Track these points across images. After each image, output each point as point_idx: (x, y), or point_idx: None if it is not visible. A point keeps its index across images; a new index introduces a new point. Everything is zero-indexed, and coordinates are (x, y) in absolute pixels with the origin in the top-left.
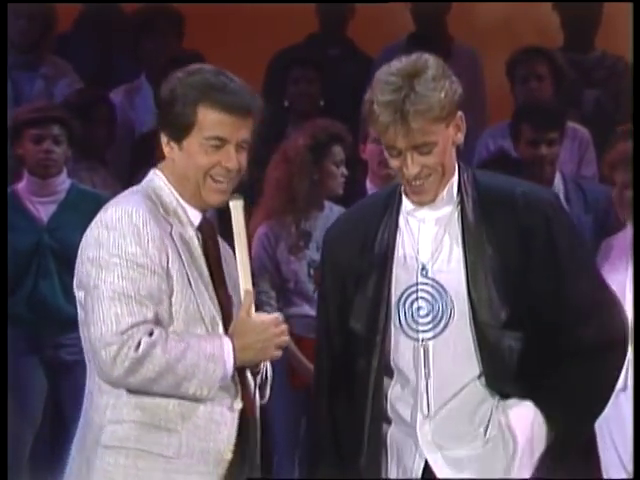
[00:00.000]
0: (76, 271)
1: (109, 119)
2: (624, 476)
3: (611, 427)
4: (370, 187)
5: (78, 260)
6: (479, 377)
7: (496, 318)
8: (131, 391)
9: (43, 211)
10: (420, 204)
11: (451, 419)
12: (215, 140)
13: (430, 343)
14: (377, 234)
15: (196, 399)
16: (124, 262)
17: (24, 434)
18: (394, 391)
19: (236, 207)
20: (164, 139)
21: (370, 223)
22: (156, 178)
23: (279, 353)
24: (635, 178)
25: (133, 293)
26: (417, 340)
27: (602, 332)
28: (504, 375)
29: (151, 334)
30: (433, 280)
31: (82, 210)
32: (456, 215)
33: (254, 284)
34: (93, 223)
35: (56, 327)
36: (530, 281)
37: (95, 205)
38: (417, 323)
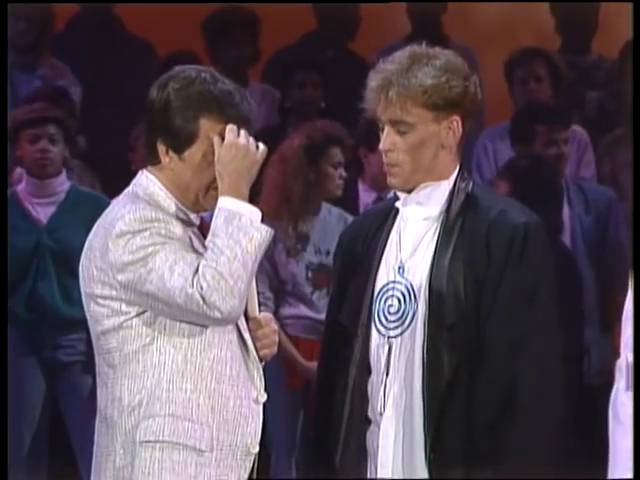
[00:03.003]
0: (95, 283)
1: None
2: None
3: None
4: (362, 188)
5: (105, 274)
6: None
7: (445, 323)
8: (162, 386)
9: (42, 212)
10: (391, 186)
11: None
12: None
13: (394, 341)
14: (375, 234)
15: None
16: (160, 245)
17: (22, 434)
18: (370, 388)
19: None
20: (162, 148)
21: (372, 225)
22: (150, 184)
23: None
24: (635, 179)
25: (180, 254)
26: (384, 337)
27: (511, 378)
28: (440, 384)
29: (195, 273)
30: (406, 279)
31: (81, 211)
32: (441, 218)
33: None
34: (113, 233)
35: (54, 328)
36: (481, 295)
37: (94, 207)
38: (387, 320)
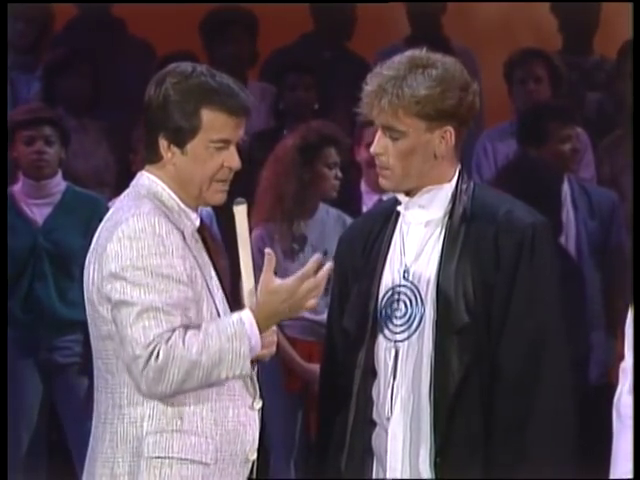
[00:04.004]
0: (94, 286)
1: (91, 74)
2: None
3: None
4: (365, 190)
5: (98, 275)
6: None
7: (454, 327)
8: (167, 399)
9: (38, 213)
10: (383, 188)
11: (418, 426)
12: (221, 143)
13: (401, 345)
14: (377, 237)
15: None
16: (149, 274)
17: (20, 435)
18: (375, 392)
19: (240, 212)
20: (163, 143)
21: (373, 228)
22: (152, 183)
23: (313, 303)
24: (635, 180)
25: (161, 305)
26: (391, 341)
27: (531, 377)
28: (449, 387)
29: (169, 337)
30: (411, 283)
31: (77, 212)
32: (445, 221)
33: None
34: (114, 236)
35: (51, 329)
36: (493, 298)
37: (91, 207)
38: (393, 324)
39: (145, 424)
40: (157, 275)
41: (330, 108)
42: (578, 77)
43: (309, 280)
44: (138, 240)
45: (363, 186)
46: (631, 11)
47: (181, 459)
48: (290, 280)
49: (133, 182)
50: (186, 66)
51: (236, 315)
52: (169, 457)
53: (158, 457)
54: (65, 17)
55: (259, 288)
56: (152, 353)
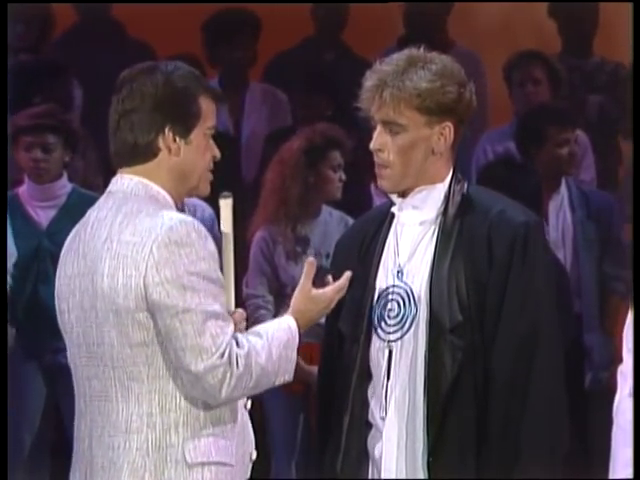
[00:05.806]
0: (132, 293)
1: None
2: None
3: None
4: (375, 192)
5: (138, 281)
6: None
7: (447, 326)
8: (200, 405)
9: (43, 215)
10: (381, 188)
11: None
12: (212, 129)
13: (394, 345)
14: (372, 240)
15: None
16: (201, 279)
17: (22, 437)
18: (370, 393)
19: (226, 205)
20: (169, 137)
21: (368, 230)
22: (147, 186)
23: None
24: (635, 180)
25: (220, 309)
26: (384, 341)
27: (523, 377)
28: (442, 386)
29: (237, 343)
30: (405, 283)
31: (82, 215)
32: (438, 221)
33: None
34: (159, 242)
35: (55, 332)
36: (486, 297)
37: None
38: (386, 324)
39: (181, 430)
40: (208, 279)
41: (336, 110)
42: (579, 79)
43: (340, 292)
44: (185, 246)
45: (373, 188)
46: (631, 12)
47: (218, 462)
48: (329, 290)
49: (120, 187)
50: (162, 63)
51: (284, 322)
52: (209, 462)
53: (199, 463)
54: (65, 19)
55: (297, 295)
56: (231, 361)
